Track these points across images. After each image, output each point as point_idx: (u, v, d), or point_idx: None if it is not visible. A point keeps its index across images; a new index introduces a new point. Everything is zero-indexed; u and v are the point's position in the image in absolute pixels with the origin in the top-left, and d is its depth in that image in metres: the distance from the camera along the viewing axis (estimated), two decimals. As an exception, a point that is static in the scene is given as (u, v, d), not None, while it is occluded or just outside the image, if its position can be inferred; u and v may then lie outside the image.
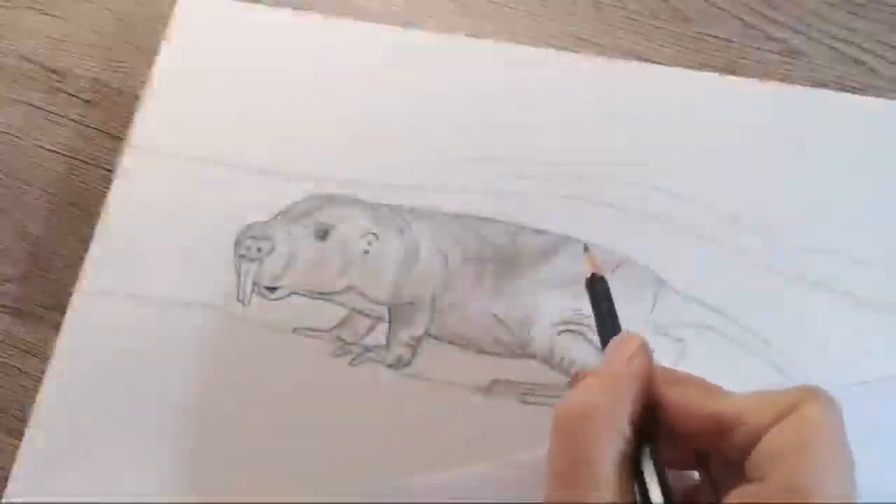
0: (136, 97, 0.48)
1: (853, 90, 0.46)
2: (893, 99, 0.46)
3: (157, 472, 0.40)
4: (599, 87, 0.46)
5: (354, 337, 0.42)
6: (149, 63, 0.48)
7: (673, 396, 0.29)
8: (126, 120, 0.47)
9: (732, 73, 0.47)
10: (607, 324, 0.33)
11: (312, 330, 0.42)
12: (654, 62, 0.47)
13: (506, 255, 0.43)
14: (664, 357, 0.41)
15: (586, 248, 0.35)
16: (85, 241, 0.45)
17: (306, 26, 0.48)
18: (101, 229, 0.44)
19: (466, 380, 0.41)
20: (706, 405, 0.29)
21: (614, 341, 0.31)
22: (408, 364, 0.41)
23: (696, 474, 0.31)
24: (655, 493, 0.27)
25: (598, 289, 0.34)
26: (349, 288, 0.43)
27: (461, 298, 0.42)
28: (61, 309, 0.43)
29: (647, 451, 0.28)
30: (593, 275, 0.34)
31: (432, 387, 0.41)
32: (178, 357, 0.42)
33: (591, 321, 0.41)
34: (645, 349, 0.30)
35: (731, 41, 0.48)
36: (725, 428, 0.28)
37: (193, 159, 0.45)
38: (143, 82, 0.47)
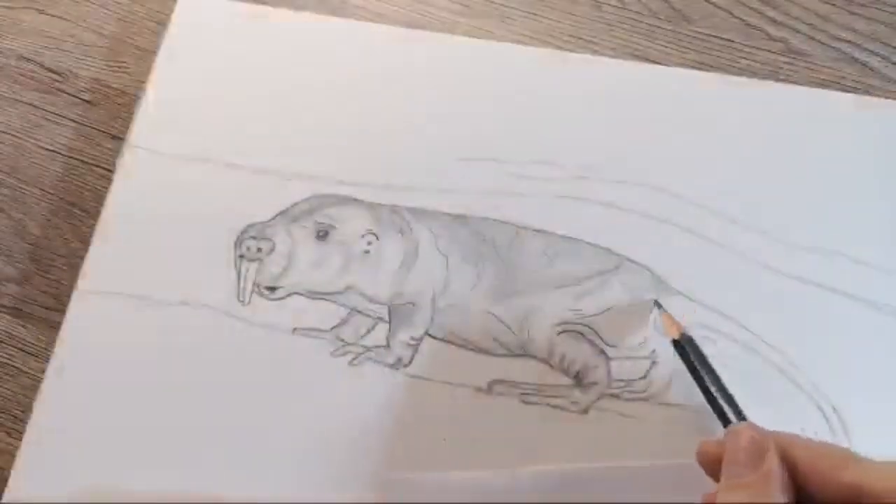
0: (136, 97, 0.48)
1: (853, 90, 0.46)
2: (893, 99, 0.46)
3: (156, 471, 0.40)
4: (599, 87, 0.46)
5: (354, 337, 0.42)
6: (149, 63, 0.48)
7: (810, 467, 0.30)
8: (126, 120, 0.47)
9: (732, 73, 0.47)
10: (707, 382, 0.33)
11: (312, 330, 0.42)
12: (654, 62, 0.47)
13: (506, 255, 0.43)
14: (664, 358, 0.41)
15: (659, 305, 0.34)
16: (85, 241, 0.45)
17: (306, 26, 0.48)
18: (101, 229, 0.44)
19: (466, 380, 0.41)
20: (845, 475, 0.29)
21: (732, 431, 0.32)
22: (408, 364, 0.41)
23: None
24: None
25: (688, 348, 0.34)
26: (349, 288, 0.43)
27: (461, 298, 0.42)
28: (61, 309, 0.43)
29: None
30: (682, 335, 0.34)
31: (432, 387, 0.41)
32: (178, 357, 0.42)
33: (591, 321, 0.42)
34: (772, 451, 0.30)
35: (731, 41, 0.48)
36: (865, 499, 0.29)
37: (193, 159, 0.45)
38: (143, 82, 0.47)
